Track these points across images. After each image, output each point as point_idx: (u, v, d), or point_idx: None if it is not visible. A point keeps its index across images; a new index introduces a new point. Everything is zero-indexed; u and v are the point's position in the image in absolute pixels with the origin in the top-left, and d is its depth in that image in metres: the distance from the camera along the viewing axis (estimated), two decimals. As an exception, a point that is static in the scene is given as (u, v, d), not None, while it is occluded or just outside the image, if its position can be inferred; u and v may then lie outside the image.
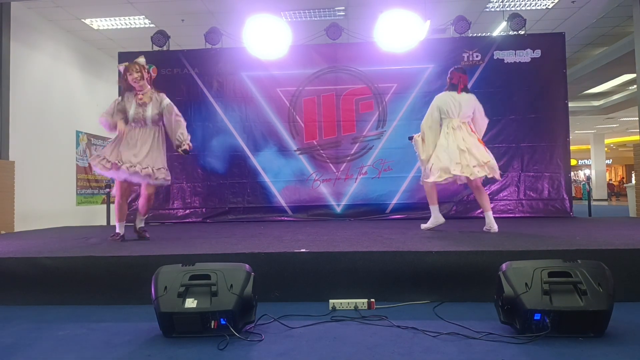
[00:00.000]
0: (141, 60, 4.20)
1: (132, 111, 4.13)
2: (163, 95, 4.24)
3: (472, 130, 4.48)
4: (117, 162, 4.03)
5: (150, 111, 4.13)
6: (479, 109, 4.58)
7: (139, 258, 3.18)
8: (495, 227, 4.39)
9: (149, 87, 4.22)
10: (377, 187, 6.92)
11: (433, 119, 4.54)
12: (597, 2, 7.92)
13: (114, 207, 7.40)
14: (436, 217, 4.62)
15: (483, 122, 4.62)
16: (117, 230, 4.28)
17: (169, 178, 4.27)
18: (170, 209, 7.05)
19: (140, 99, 4.14)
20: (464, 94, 4.52)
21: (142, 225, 4.44)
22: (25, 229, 6.62)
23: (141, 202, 4.32)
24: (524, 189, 6.71)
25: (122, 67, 4.21)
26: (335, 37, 6.99)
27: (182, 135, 4.16)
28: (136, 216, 4.45)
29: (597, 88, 13.05)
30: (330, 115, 7.02)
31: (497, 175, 4.45)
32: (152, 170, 4.08)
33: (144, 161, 4.07)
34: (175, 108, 4.22)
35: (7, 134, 7.05)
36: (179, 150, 4.16)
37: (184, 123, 4.23)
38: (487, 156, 4.36)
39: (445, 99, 4.53)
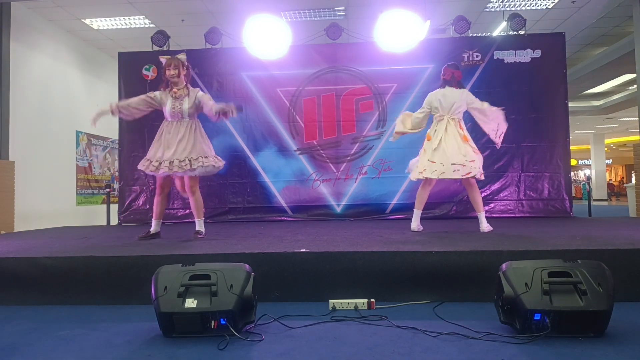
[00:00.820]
0: (182, 57, 4.24)
1: (169, 105, 4.14)
2: (197, 89, 4.28)
3: (460, 127, 4.47)
4: (158, 161, 4.09)
5: (186, 104, 4.14)
6: (472, 101, 4.54)
7: (139, 258, 3.18)
8: (485, 228, 4.39)
9: (184, 83, 4.23)
10: (377, 187, 6.92)
11: (421, 112, 4.60)
12: (597, 2, 7.92)
13: (114, 207, 7.44)
14: (416, 222, 4.60)
15: (492, 113, 4.53)
16: (151, 229, 4.30)
17: (211, 165, 4.15)
18: (170, 209, 7.03)
19: (176, 93, 4.17)
20: (455, 90, 4.52)
21: (200, 228, 4.31)
22: (25, 229, 6.61)
23: (191, 202, 4.31)
24: (524, 189, 6.71)
25: (163, 60, 4.25)
26: (335, 37, 6.99)
27: (220, 105, 4.10)
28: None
29: (597, 88, 13.05)
30: (330, 115, 7.02)
31: (477, 175, 4.38)
32: (189, 161, 4.07)
33: (182, 154, 4.08)
34: (210, 97, 4.25)
35: (7, 134, 7.06)
36: (229, 111, 4.02)
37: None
38: (459, 158, 4.32)
39: (436, 95, 4.55)
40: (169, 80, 4.17)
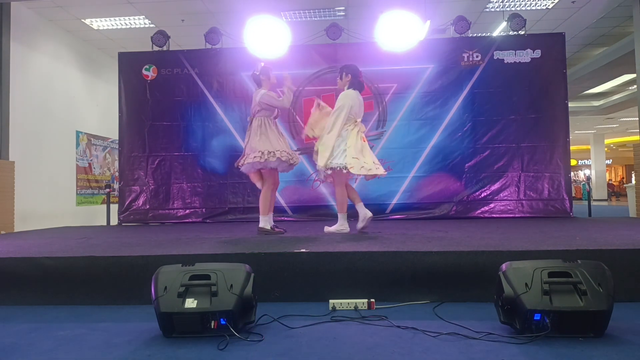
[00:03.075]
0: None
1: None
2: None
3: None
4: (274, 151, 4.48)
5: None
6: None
7: (139, 258, 3.18)
8: (331, 228, 4.49)
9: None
10: (377, 187, 6.89)
11: (345, 115, 4.42)
12: (597, 2, 7.92)
13: (114, 207, 7.44)
14: (342, 225, 4.58)
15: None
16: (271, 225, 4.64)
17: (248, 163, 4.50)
18: (170, 209, 7.04)
19: None
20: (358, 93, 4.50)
21: (262, 225, 4.61)
22: (25, 229, 6.62)
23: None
24: (524, 189, 6.71)
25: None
26: (335, 37, 6.99)
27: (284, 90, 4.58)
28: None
29: (597, 88, 13.06)
30: (331, 115, 7.01)
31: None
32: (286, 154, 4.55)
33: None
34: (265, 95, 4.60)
35: (7, 134, 7.06)
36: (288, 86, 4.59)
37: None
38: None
39: (354, 97, 4.50)
40: (272, 83, 4.72)
